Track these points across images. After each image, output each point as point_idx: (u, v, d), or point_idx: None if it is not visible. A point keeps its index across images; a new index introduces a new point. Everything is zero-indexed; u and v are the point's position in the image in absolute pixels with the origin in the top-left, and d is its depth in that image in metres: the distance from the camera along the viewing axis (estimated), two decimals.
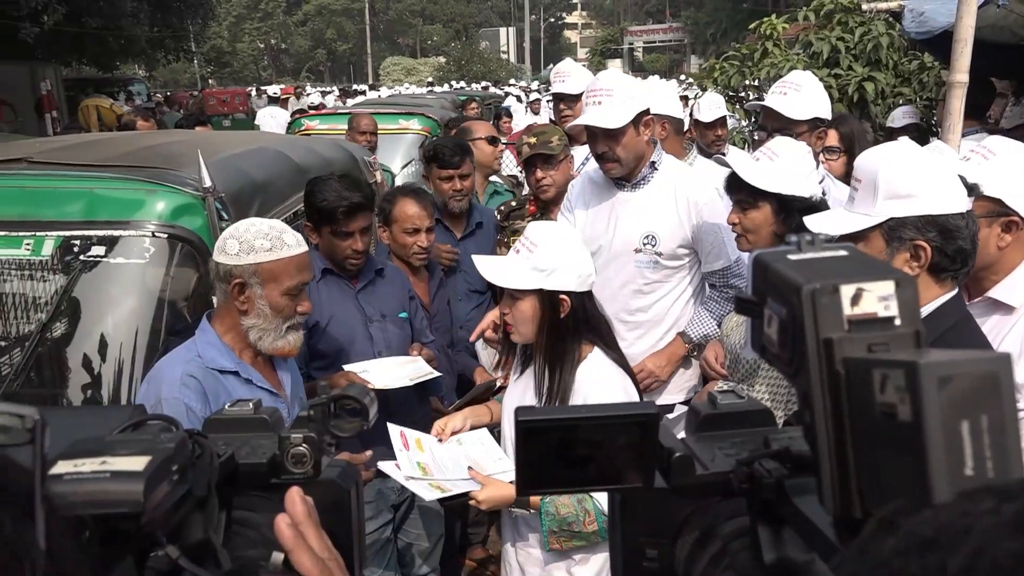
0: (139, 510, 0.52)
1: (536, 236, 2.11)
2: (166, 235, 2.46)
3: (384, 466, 2.27)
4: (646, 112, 2.87)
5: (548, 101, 4.83)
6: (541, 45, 63.91)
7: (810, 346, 0.52)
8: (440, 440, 2.37)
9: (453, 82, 28.78)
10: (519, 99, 17.74)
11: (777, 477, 0.62)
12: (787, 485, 0.61)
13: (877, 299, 0.52)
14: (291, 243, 2.07)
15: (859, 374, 0.50)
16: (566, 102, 4.14)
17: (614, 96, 2.81)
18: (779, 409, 2.29)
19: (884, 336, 0.52)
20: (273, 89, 21.80)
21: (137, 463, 0.54)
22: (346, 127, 5.79)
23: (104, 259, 2.45)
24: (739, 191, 2.37)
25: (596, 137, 2.85)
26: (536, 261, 2.07)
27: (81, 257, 2.45)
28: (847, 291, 0.52)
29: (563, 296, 2.07)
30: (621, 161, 2.86)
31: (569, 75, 4.21)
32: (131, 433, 0.63)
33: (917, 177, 1.68)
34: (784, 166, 2.32)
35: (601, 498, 2.02)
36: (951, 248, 1.66)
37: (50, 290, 2.46)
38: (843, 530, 0.53)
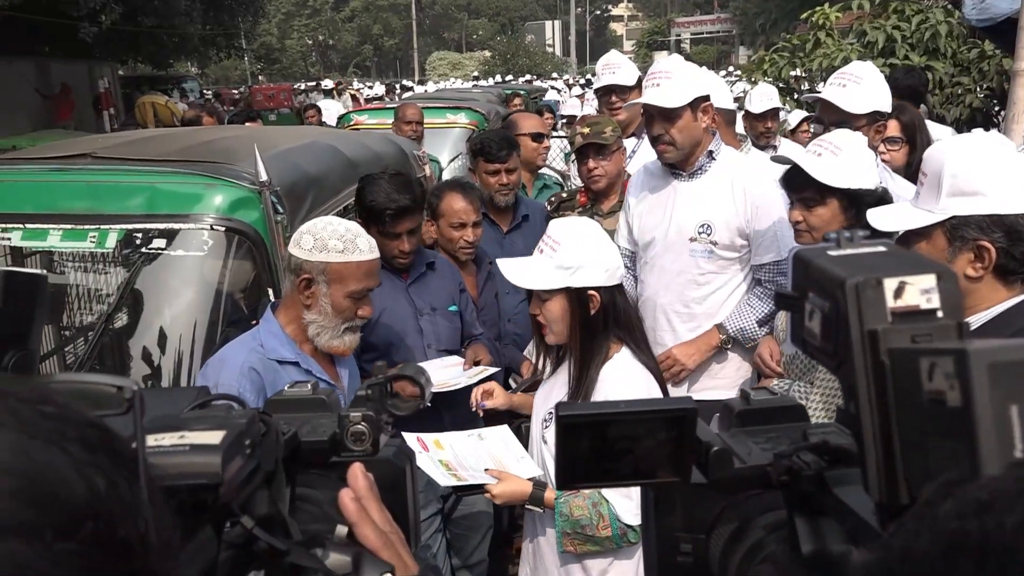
0: (218, 481, 0.56)
1: (558, 234, 2.07)
2: (224, 228, 2.54)
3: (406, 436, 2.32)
4: (705, 99, 2.86)
5: (595, 92, 4.75)
6: (587, 38, 63.57)
7: (855, 338, 0.54)
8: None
9: (498, 76, 28.66)
10: (559, 91, 17.70)
11: (817, 469, 0.63)
12: (827, 477, 0.63)
13: (919, 292, 0.54)
14: (363, 248, 2.12)
15: (905, 363, 0.51)
16: (618, 93, 4.07)
17: (672, 78, 2.81)
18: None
19: (927, 327, 0.53)
20: (327, 83, 22.27)
21: (214, 437, 0.57)
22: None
23: (164, 251, 2.53)
24: (804, 188, 2.29)
25: (653, 119, 2.85)
26: (560, 259, 2.04)
27: (143, 249, 2.54)
28: (890, 284, 0.54)
29: (592, 292, 2.04)
30: (676, 144, 2.84)
31: (620, 66, 4.14)
32: (204, 410, 0.67)
33: (984, 174, 1.61)
34: (849, 159, 2.25)
35: (618, 504, 2.00)
36: (1019, 250, 1.59)
37: (113, 282, 2.56)
38: (887, 516, 0.55)
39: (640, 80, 4.20)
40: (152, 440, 0.57)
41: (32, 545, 0.38)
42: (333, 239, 2.09)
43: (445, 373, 2.75)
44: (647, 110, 2.88)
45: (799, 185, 2.31)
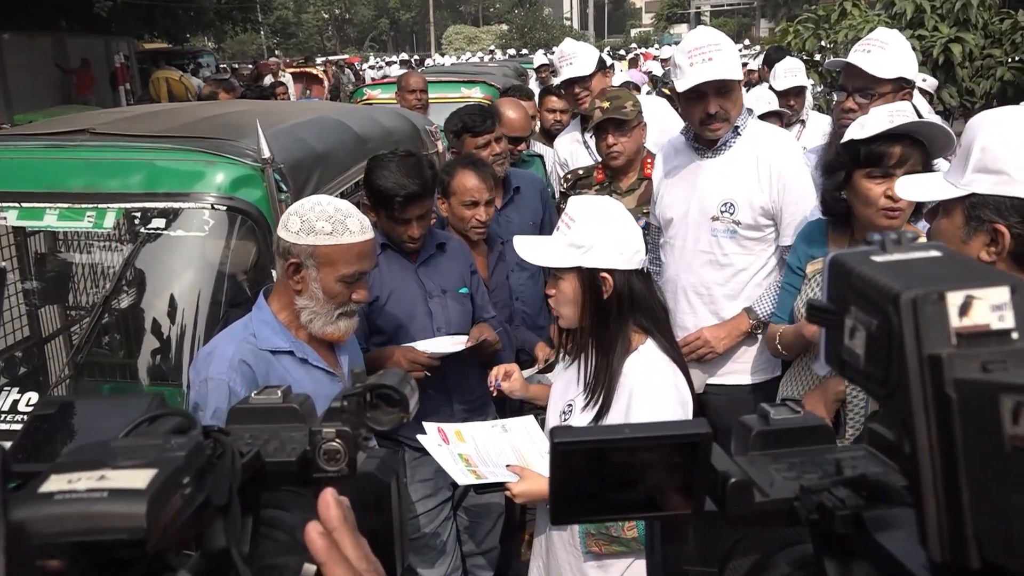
0: (140, 536, 0.46)
1: (575, 211, 1.96)
2: (225, 207, 2.45)
3: (422, 438, 2.24)
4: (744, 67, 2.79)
5: (559, 87, 4.58)
6: (605, 11, 62.71)
7: (911, 364, 0.44)
8: (496, 379, 2.33)
9: (510, 51, 28.09)
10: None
11: (853, 509, 0.54)
12: (866, 518, 0.53)
13: (990, 308, 0.44)
14: (354, 229, 1.99)
15: (979, 399, 0.42)
16: (580, 84, 3.94)
17: (723, 50, 2.67)
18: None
19: (1000, 352, 0.43)
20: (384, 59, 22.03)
21: (140, 478, 0.48)
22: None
23: (164, 231, 2.46)
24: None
25: (704, 97, 2.68)
26: (573, 237, 1.94)
27: (142, 229, 2.46)
28: (954, 299, 0.44)
29: (604, 274, 1.93)
30: (731, 119, 2.72)
31: (576, 56, 4.00)
32: (139, 437, 0.58)
33: (1013, 153, 1.49)
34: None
35: None
36: None
37: (112, 262, 2.49)
38: None
39: (601, 60, 4.09)
40: (65, 482, 0.47)
41: None
42: (321, 220, 1.97)
43: (448, 344, 2.67)
44: (699, 89, 2.67)
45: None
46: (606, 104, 3.35)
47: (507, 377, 2.38)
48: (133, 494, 0.47)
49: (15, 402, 2.43)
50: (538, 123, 5.19)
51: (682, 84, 2.70)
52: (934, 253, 0.49)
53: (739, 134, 2.79)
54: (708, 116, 2.70)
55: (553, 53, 6.56)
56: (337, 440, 0.70)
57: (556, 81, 4.23)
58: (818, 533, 0.58)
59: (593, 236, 1.93)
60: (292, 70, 15.18)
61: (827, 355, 0.53)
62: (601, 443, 0.58)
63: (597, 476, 0.59)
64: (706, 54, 2.66)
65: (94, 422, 0.64)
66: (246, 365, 1.95)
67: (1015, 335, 0.44)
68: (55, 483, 0.47)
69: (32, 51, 18.45)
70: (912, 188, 1.75)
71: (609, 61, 4.97)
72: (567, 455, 0.57)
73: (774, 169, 2.72)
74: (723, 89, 2.67)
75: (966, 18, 6.23)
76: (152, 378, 2.48)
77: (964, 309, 0.44)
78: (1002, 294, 0.44)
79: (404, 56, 20.66)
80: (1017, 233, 1.49)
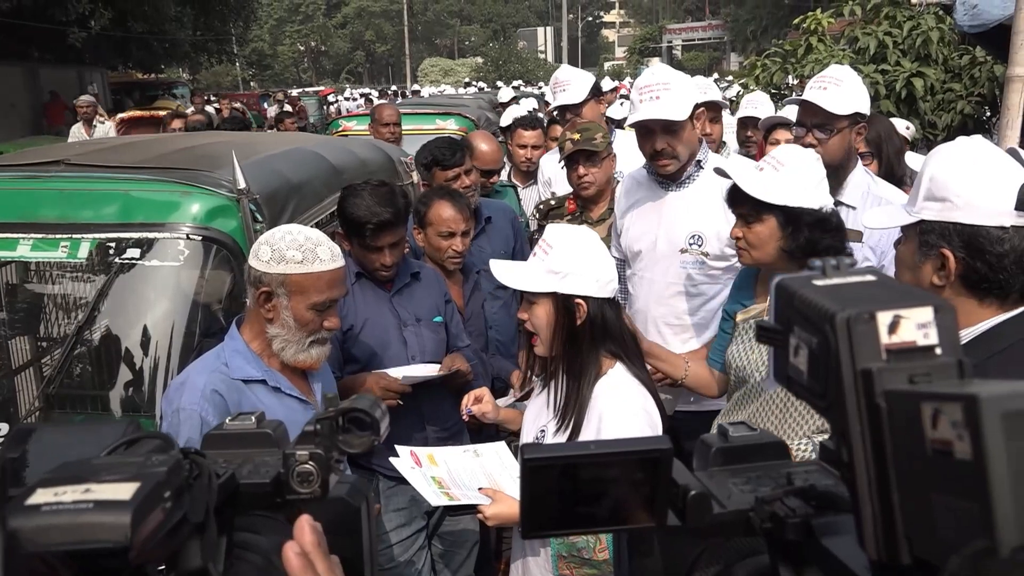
0: (125, 544, 0.48)
1: (553, 238, 2.02)
2: (200, 237, 2.47)
3: (395, 461, 2.26)
4: (698, 106, 2.83)
5: (551, 112, 4.65)
6: (579, 44, 63.63)
7: (846, 378, 0.49)
8: (466, 406, 2.34)
9: (479, 83, 27.95)
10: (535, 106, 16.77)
11: (803, 516, 0.58)
12: (814, 525, 0.57)
13: (916, 326, 0.49)
14: (324, 257, 2.01)
15: (904, 408, 0.46)
16: (572, 111, 4.00)
17: (672, 89, 2.74)
18: None
19: (925, 366, 0.48)
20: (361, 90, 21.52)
21: (124, 491, 0.50)
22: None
23: (139, 261, 2.46)
24: (741, 204, 2.19)
25: (652, 134, 2.76)
26: (551, 263, 1.99)
27: (117, 260, 2.47)
28: (884, 318, 0.49)
29: (579, 300, 1.97)
30: (680, 157, 2.78)
31: (569, 83, 4.06)
32: (120, 456, 0.60)
33: (956, 181, 1.57)
34: (790, 176, 2.14)
35: None
36: (980, 263, 1.54)
37: (86, 292, 2.49)
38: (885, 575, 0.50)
39: (596, 87, 4.15)
40: (51, 495, 0.50)
41: None
42: (291, 249, 1.99)
43: (421, 371, 2.69)
44: (647, 125, 2.76)
45: (737, 200, 2.21)
46: (576, 136, 3.41)
47: (478, 402, 2.40)
48: (118, 505, 0.49)
49: None
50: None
51: (631, 119, 2.81)
52: (869, 277, 0.54)
53: (702, 167, 2.86)
54: (655, 152, 2.79)
55: (520, 87, 6.60)
56: (310, 462, 0.72)
57: (550, 107, 4.28)
58: (772, 541, 0.61)
59: (571, 263, 1.98)
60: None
61: (776, 372, 0.57)
62: (568, 459, 0.61)
63: (565, 491, 0.62)
64: (654, 92, 2.74)
65: (68, 449, 0.66)
66: (218, 395, 1.95)
67: (938, 350, 0.49)
68: (41, 496, 0.49)
69: (4, 82, 18.35)
70: (877, 218, 1.84)
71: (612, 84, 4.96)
72: (536, 471, 0.60)
73: None
74: (670, 127, 2.73)
75: (927, 53, 6.43)
76: (125, 409, 2.47)
77: (893, 327, 0.48)
78: (927, 313, 0.49)
79: (398, 88, 20.42)
80: (961, 257, 1.55)
